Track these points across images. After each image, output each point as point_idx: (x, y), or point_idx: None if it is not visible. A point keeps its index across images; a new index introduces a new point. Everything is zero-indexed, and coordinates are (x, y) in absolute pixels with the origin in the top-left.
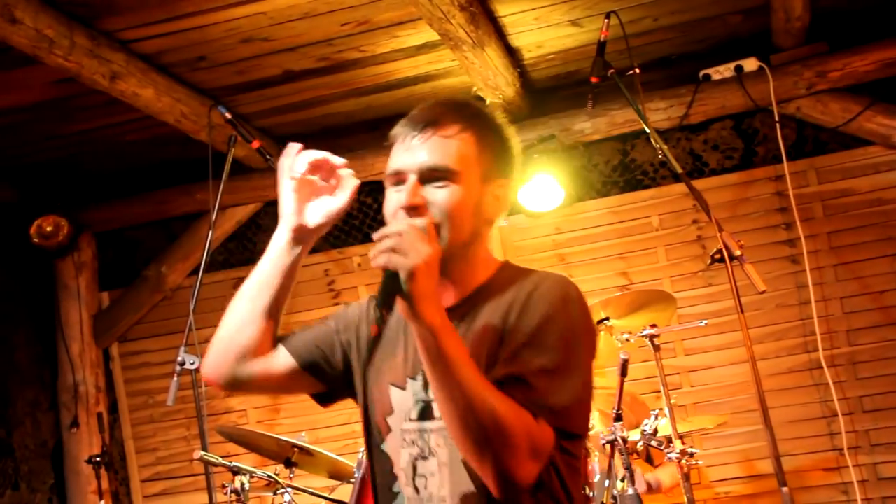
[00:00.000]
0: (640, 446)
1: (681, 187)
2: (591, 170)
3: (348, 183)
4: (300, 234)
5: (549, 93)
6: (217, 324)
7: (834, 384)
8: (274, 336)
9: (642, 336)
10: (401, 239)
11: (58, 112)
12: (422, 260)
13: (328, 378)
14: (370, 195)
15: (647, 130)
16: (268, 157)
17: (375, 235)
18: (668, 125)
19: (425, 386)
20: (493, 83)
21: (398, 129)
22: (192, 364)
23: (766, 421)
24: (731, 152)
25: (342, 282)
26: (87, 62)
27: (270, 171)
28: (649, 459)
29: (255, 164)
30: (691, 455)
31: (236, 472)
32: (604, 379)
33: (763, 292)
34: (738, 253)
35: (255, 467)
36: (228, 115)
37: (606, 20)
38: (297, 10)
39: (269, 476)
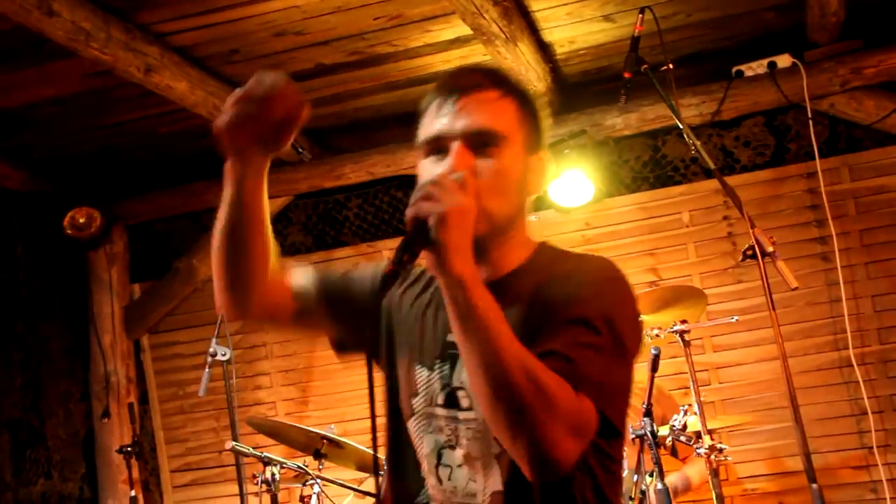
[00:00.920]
0: (668, 441)
1: (711, 184)
2: (621, 165)
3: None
4: (230, 145)
5: (580, 88)
6: None
7: (864, 382)
8: (265, 260)
9: (672, 332)
10: (434, 187)
11: (92, 104)
12: (455, 206)
13: (343, 317)
14: (400, 189)
15: (681, 126)
16: (300, 150)
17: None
18: (699, 121)
19: (452, 370)
20: (525, 78)
21: (431, 97)
22: (224, 355)
23: (797, 418)
24: (762, 149)
25: None
26: (122, 55)
27: (302, 164)
28: (674, 453)
29: (287, 157)
30: (720, 451)
31: (267, 462)
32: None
33: (795, 289)
34: (770, 249)
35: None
36: None
37: (641, 15)
38: (330, 4)
39: (298, 467)
